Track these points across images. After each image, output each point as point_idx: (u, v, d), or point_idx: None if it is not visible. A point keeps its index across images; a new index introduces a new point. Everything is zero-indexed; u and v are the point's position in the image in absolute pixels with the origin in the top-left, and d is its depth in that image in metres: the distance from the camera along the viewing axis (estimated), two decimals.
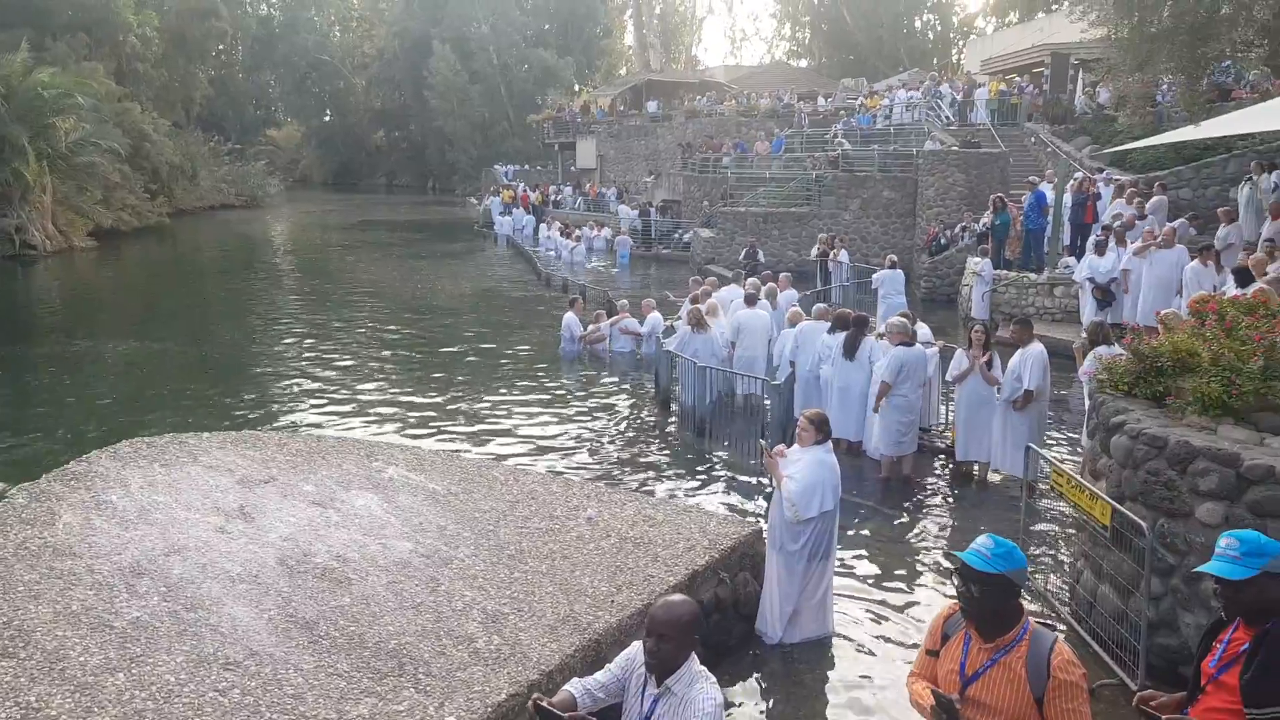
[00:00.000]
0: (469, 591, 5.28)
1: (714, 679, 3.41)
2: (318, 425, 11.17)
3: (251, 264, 30.56)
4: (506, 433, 10.89)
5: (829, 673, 5.90)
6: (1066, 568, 7.05)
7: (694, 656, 3.38)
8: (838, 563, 7.30)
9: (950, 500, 8.89)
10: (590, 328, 15.07)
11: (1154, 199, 16.84)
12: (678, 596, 3.51)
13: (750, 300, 11.89)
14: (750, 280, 14.71)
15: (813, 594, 6.05)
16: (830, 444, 6.08)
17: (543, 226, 34.27)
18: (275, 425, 11.29)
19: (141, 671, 4.40)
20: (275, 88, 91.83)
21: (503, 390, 12.95)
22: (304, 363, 15.09)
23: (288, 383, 13.72)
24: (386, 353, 15.82)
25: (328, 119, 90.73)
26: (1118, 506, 5.62)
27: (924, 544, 7.85)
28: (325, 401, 12.44)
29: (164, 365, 14.88)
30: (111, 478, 6.46)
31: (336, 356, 15.48)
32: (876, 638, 6.33)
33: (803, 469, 5.90)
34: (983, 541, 3.21)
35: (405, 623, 4.91)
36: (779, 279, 14.96)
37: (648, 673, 3.44)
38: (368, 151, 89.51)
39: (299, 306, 21.51)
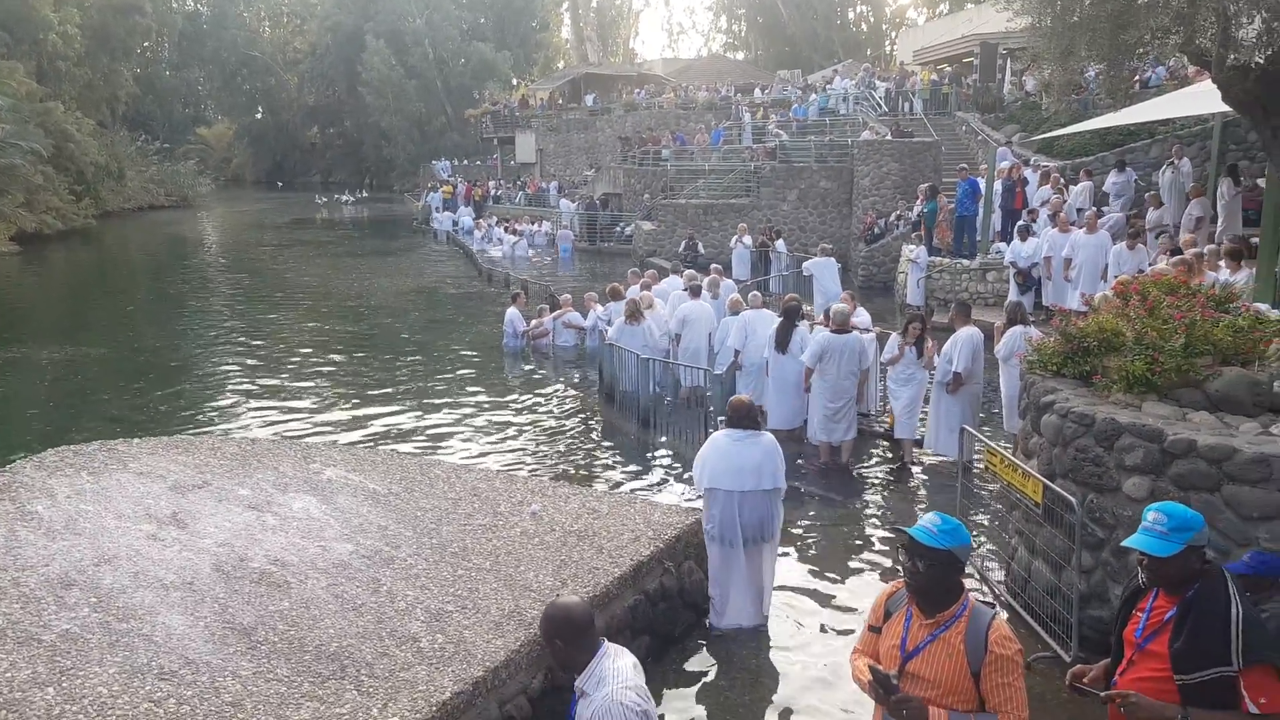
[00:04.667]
0: (411, 591, 5.23)
1: (628, 680, 3.22)
2: (254, 428, 10.93)
3: (182, 265, 29.78)
4: (449, 430, 10.78)
5: (773, 655, 5.97)
6: (1001, 546, 7.22)
7: (606, 654, 3.28)
8: (781, 546, 7.41)
9: (889, 483, 9.04)
10: (533, 322, 14.99)
11: (1079, 184, 17.31)
12: (564, 597, 3.41)
13: (694, 292, 11.93)
14: (689, 272, 14.78)
15: (746, 581, 6.10)
16: (741, 431, 6.06)
17: (481, 222, 33.98)
18: (210, 429, 11.02)
19: (72, 685, 4.27)
20: (204, 85, 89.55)
21: (445, 388, 12.82)
22: (239, 365, 14.76)
23: (223, 386, 13.40)
24: (325, 353, 15.55)
25: (259, 116, 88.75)
26: (1049, 483, 5.77)
27: (864, 526, 7.98)
28: (262, 404, 12.18)
29: (94, 371, 14.43)
30: (37, 487, 6.25)
31: (273, 358, 15.17)
32: (818, 619, 6.42)
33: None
34: (930, 518, 3.27)
35: (346, 625, 4.84)
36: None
37: None
38: (302, 149, 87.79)
39: (232, 308, 21.03)
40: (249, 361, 15.01)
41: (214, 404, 12.38)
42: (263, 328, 18.15)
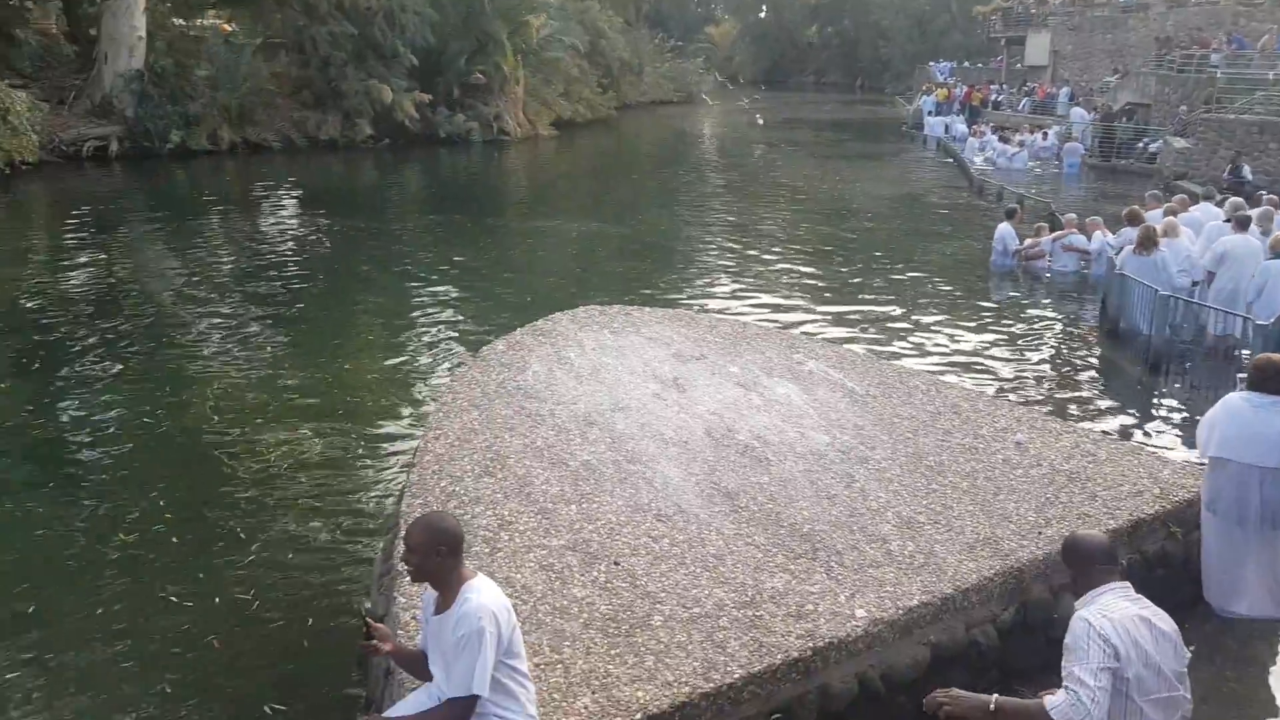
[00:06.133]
0: (883, 493, 5.23)
1: (1108, 610, 3.37)
2: (737, 312, 11.62)
3: (683, 157, 32.31)
4: (926, 343, 10.51)
5: None
6: None
7: (1110, 589, 3.48)
8: None
9: None
10: (1028, 242, 13.85)
11: None
12: (1085, 531, 4.23)
13: (1239, 224, 10.06)
14: (1233, 200, 12.49)
15: (1263, 567, 5.16)
16: (1267, 396, 5.06)
17: (977, 128, 31.87)
18: (697, 307, 11.96)
19: (589, 507, 4.97)
20: None
21: (924, 300, 12.47)
22: (726, 251, 15.75)
23: (711, 269, 14.45)
24: (805, 249, 15.95)
25: (763, 15, 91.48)
26: None
27: None
28: (743, 291, 12.92)
29: (608, 245, 16.40)
30: (570, 337, 7.28)
31: (756, 248, 15.95)
32: None
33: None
34: None
35: (820, 511, 4.99)
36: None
37: None
38: (799, 48, 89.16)
39: (722, 199, 22.38)
40: (735, 249, 15.95)
41: (701, 284, 13.41)
42: (748, 219, 19.11)
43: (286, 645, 5.11)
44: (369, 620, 3.53)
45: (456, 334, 10.72)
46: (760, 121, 45.61)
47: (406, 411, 8.40)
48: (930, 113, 38.11)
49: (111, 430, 7.95)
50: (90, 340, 10.24)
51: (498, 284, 13.24)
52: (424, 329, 10.92)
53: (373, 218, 18.25)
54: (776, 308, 11.97)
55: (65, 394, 8.66)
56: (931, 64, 52.59)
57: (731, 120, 49.37)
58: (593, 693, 3.68)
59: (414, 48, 30.27)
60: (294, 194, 21.51)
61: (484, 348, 7.30)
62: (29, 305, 11.57)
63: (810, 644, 3.97)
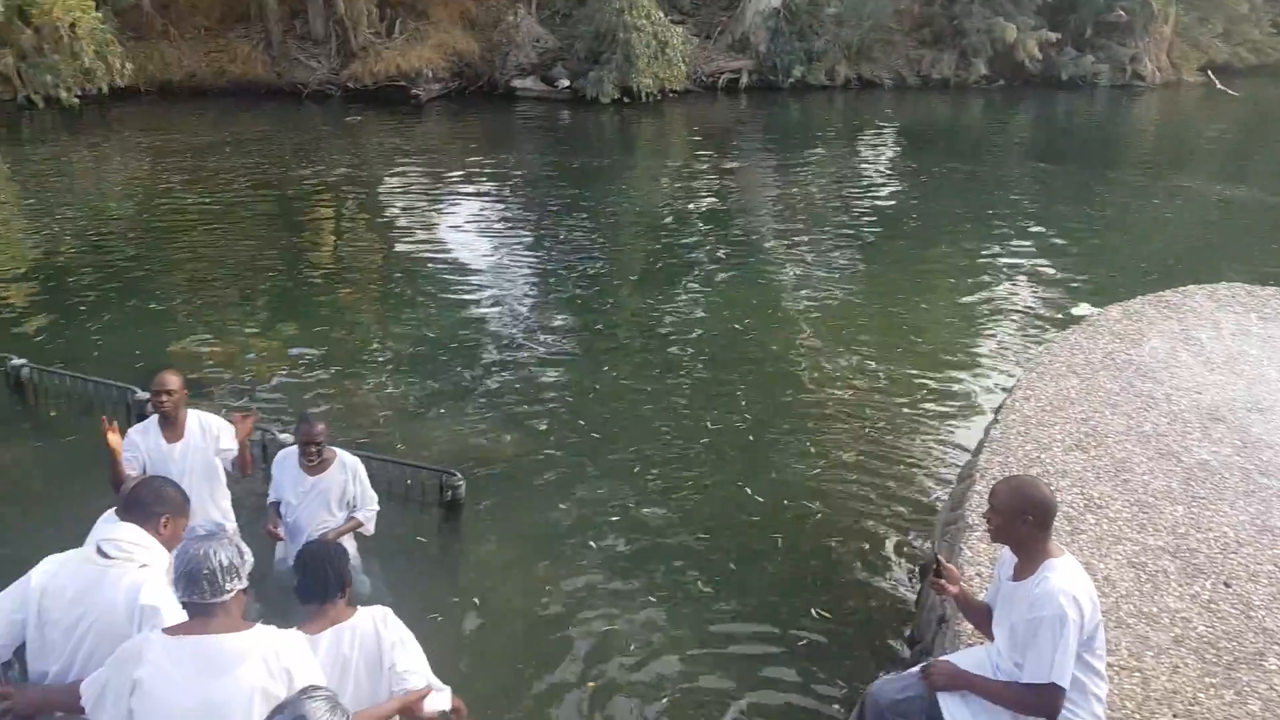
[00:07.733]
0: None
1: None
2: None
3: None
4: None
5: None
6: None
7: None
8: None
9: None
10: None
11: None
12: None
13: None
14: None
15: None
16: None
17: None
18: None
19: (1200, 514, 4.31)
20: None
21: None
22: None
23: None
24: None
25: None
26: None
27: None
28: None
29: (1256, 213, 13.77)
30: (1204, 315, 6.30)
31: None
32: None
33: None
34: None
35: None
36: None
37: None
38: None
39: None
40: None
41: None
42: None
43: (841, 560, 5.35)
44: (941, 559, 3.50)
45: (1052, 293, 9.96)
46: None
47: (983, 363, 8.09)
48: None
49: (703, 332, 8.92)
50: (701, 249, 11.60)
51: (1110, 245, 11.94)
52: (1015, 283, 10.33)
53: (975, 161, 17.67)
54: None
55: (674, 295, 9.92)
56: None
57: None
58: (1174, 716, 3.24)
59: None
60: (898, 131, 21.71)
61: (1094, 313, 6.65)
62: (663, 214, 13.45)
63: None
